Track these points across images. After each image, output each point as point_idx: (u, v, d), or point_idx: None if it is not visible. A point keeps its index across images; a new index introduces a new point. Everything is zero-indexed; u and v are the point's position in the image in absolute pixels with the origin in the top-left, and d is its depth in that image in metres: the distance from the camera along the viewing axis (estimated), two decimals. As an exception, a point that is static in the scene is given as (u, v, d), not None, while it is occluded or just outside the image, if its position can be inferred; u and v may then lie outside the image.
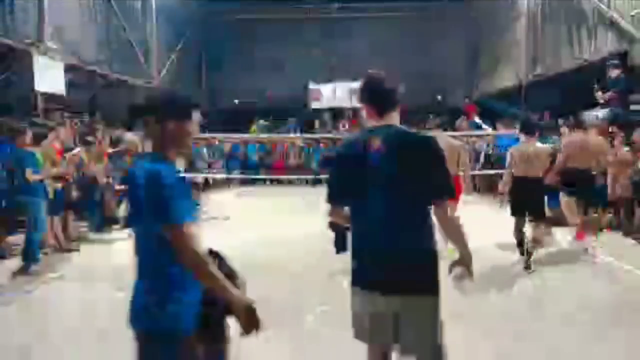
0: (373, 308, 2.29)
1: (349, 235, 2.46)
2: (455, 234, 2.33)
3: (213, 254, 2.14)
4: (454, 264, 2.37)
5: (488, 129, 13.58)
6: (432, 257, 2.28)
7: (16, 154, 5.95)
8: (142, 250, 2.00)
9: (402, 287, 2.24)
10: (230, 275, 2.11)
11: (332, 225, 2.64)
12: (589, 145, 6.68)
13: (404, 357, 2.35)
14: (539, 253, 6.32)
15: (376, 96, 2.40)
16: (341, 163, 2.42)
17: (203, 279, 1.90)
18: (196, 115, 2.12)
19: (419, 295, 2.26)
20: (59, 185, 6.74)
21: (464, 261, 2.35)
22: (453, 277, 2.37)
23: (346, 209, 2.43)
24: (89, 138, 8.18)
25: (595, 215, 7.91)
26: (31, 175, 5.84)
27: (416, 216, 2.26)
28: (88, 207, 7.89)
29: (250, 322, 1.96)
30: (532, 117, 11.65)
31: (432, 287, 2.27)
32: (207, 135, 14.63)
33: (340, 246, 2.73)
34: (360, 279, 2.32)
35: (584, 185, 6.56)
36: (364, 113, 2.43)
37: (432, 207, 2.29)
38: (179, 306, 1.94)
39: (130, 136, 9.35)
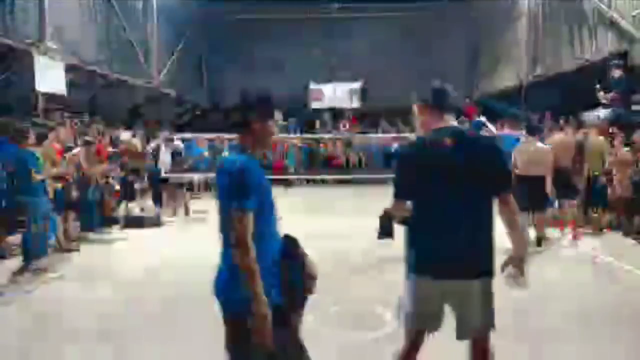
0: (439, 294, 2.47)
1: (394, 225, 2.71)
2: (515, 227, 2.50)
3: (289, 239, 2.24)
4: (507, 263, 2.52)
5: (492, 129, 13.57)
6: (493, 246, 2.49)
7: (19, 154, 5.95)
8: (225, 236, 2.15)
9: (468, 273, 2.43)
10: (302, 262, 2.25)
11: (385, 215, 2.85)
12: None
13: (461, 339, 2.53)
14: (538, 253, 6.33)
15: (441, 100, 2.59)
16: (410, 161, 2.56)
17: (240, 263, 2.02)
18: (277, 115, 2.28)
19: (483, 279, 2.46)
20: (59, 185, 6.74)
21: (518, 257, 2.51)
22: (506, 275, 2.52)
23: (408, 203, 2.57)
24: (88, 138, 8.18)
25: (595, 215, 7.95)
26: (35, 176, 5.85)
27: (482, 209, 2.46)
28: (83, 206, 7.87)
29: (260, 341, 2.02)
30: (532, 117, 11.67)
31: (492, 273, 2.47)
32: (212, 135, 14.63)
33: (386, 233, 2.94)
34: (427, 267, 2.47)
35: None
36: (419, 113, 2.65)
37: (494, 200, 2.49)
38: (245, 294, 2.02)
39: (126, 136, 9.36)
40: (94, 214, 8.21)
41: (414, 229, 2.54)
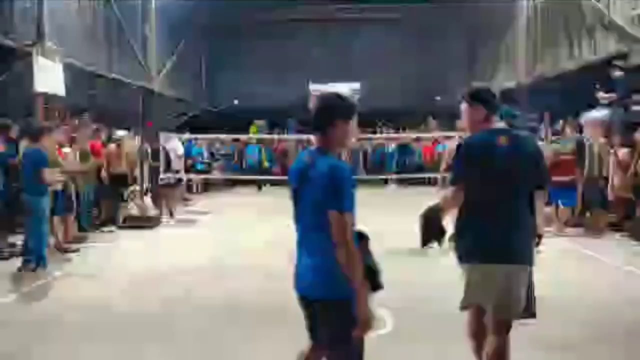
0: (488, 275, 2.73)
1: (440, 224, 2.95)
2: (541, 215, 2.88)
3: (360, 235, 2.34)
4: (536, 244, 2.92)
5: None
6: (532, 235, 2.84)
7: (35, 153, 5.95)
8: (312, 230, 2.31)
9: (514, 258, 2.71)
10: (369, 256, 2.39)
11: (428, 219, 2.97)
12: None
13: (498, 318, 2.74)
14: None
15: (490, 103, 2.85)
16: (468, 155, 2.83)
17: (347, 263, 2.18)
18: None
19: (524, 264, 2.75)
20: (59, 185, 6.74)
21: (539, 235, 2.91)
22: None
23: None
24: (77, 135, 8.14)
25: (589, 215, 7.95)
26: (49, 175, 5.86)
27: (526, 200, 2.76)
28: (82, 207, 7.88)
29: (363, 327, 2.23)
30: (531, 118, 11.68)
31: (532, 260, 2.80)
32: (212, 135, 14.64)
33: (434, 238, 3.04)
34: (478, 253, 2.74)
35: None
36: (467, 115, 2.88)
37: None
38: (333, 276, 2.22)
39: (122, 134, 9.32)
40: (92, 214, 8.23)
41: (465, 219, 2.81)
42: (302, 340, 3.90)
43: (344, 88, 21.41)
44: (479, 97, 2.84)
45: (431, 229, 2.99)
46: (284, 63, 20.59)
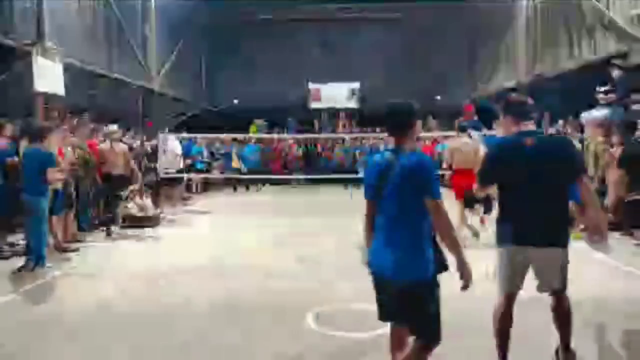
0: (529, 258, 3.14)
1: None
2: (593, 203, 3.18)
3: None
4: (590, 237, 3.42)
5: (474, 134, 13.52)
6: (567, 222, 3.29)
7: (39, 153, 5.95)
8: (399, 219, 2.65)
9: (553, 242, 3.12)
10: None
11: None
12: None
13: (542, 291, 3.21)
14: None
15: (518, 111, 3.30)
16: (500, 155, 3.30)
17: (448, 240, 2.62)
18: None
19: (563, 247, 3.15)
20: (59, 185, 6.74)
21: (598, 226, 3.26)
22: (592, 244, 3.45)
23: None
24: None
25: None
26: (52, 174, 5.86)
27: (557, 192, 3.15)
28: (82, 206, 7.88)
29: (468, 279, 2.63)
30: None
31: (566, 244, 3.18)
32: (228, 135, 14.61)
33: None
34: (518, 237, 3.13)
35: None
36: (503, 121, 3.36)
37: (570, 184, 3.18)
38: (430, 258, 2.63)
39: (113, 129, 9.26)
40: (91, 213, 8.24)
41: (503, 210, 3.24)
42: (302, 340, 3.91)
43: (344, 88, 21.49)
44: (508, 109, 3.34)
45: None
46: (284, 63, 20.60)
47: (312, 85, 21.48)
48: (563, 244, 3.15)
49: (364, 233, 2.89)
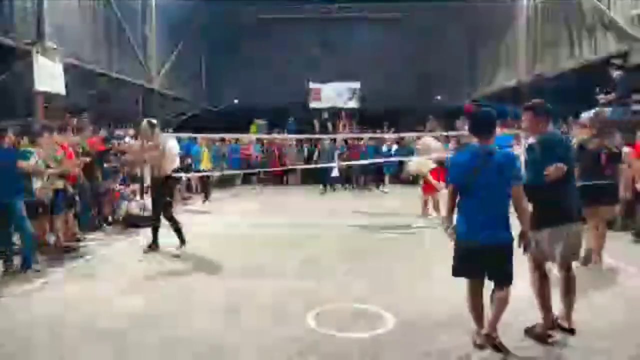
0: (567, 232, 3.92)
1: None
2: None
3: None
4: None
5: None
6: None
7: (5, 154, 5.89)
8: (493, 201, 3.57)
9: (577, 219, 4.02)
10: None
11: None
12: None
13: (564, 261, 3.95)
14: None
15: (547, 112, 4.02)
16: (545, 150, 3.85)
17: (523, 216, 3.63)
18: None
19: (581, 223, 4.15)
20: (60, 184, 6.74)
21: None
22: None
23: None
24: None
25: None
26: (27, 164, 5.77)
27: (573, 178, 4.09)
28: (82, 205, 7.87)
29: (525, 245, 3.69)
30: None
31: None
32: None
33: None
34: (557, 218, 3.88)
35: None
36: (532, 123, 4.01)
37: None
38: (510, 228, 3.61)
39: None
40: (91, 213, 8.23)
41: (545, 195, 3.83)
42: (302, 340, 3.91)
43: (344, 88, 21.48)
44: (543, 110, 3.98)
45: None
46: (284, 63, 20.59)
47: (312, 85, 21.48)
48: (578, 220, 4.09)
49: (446, 210, 3.77)
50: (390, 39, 20.62)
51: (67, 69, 10.05)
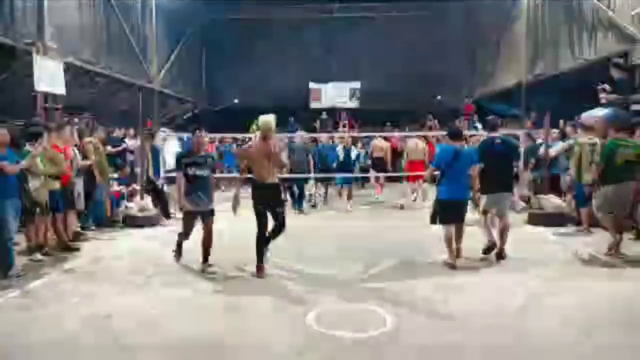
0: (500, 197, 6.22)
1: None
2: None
3: None
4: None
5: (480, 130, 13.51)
6: None
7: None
8: (463, 175, 5.84)
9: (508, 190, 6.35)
10: None
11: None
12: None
13: (499, 214, 6.15)
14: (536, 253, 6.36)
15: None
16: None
17: (476, 185, 6.10)
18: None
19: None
20: (57, 184, 6.73)
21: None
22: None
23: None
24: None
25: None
26: (10, 167, 5.73)
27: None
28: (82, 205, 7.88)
29: (476, 202, 6.39)
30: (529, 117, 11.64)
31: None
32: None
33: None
34: (495, 188, 6.12)
35: None
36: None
37: None
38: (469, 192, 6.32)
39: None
40: (91, 213, 8.23)
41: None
42: (302, 340, 3.91)
43: (344, 88, 21.48)
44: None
45: None
46: (284, 62, 20.59)
47: (312, 85, 21.48)
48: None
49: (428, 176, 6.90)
50: (391, 39, 20.62)
51: (67, 69, 10.05)
